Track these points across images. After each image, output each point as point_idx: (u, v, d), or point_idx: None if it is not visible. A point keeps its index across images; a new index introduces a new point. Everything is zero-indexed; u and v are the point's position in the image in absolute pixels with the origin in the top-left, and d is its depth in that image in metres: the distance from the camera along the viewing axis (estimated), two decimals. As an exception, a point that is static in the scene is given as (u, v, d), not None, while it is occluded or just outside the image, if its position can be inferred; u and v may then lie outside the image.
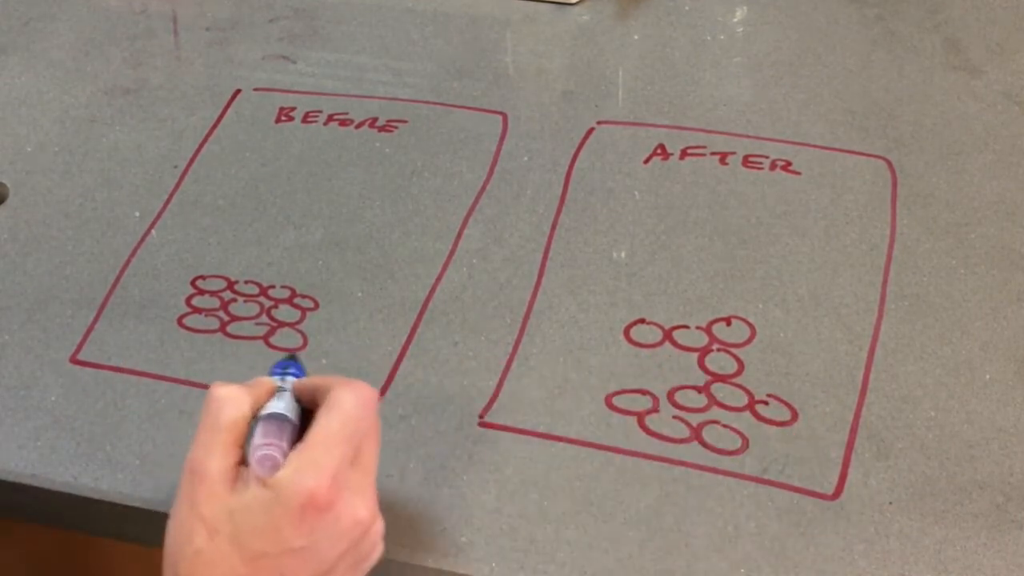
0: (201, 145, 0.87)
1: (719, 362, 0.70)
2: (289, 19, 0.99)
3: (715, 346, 0.71)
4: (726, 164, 0.83)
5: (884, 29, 0.93)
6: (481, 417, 0.68)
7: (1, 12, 1.01)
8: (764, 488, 0.64)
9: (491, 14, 0.98)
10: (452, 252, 0.78)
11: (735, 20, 0.96)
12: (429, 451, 0.67)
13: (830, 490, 0.64)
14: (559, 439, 0.67)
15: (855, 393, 0.68)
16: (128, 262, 0.79)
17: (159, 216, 0.82)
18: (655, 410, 0.68)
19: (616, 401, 0.69)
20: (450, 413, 0.69)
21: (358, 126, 0.88)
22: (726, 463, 0.65)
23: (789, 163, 0.82)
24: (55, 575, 0.78)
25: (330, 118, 0.89)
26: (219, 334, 0.74)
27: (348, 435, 0.51)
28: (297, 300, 0.76)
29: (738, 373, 0.70)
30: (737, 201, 0.80)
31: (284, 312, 0.75)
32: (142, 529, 0.67)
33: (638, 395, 0.69)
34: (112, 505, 0.66)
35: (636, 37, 0.95)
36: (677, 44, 0.93)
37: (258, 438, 0.52)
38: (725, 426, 0.67)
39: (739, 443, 0.66)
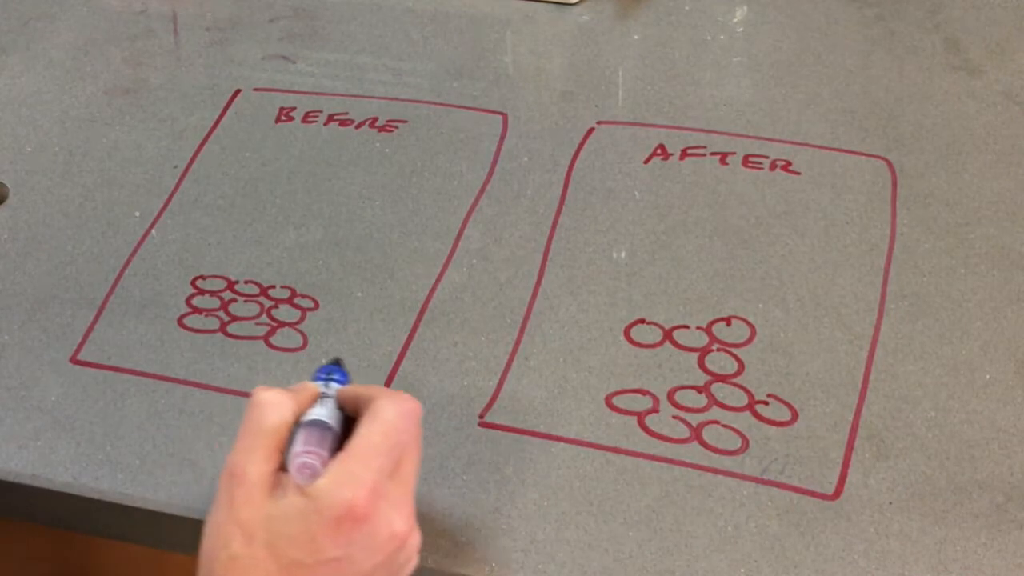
0: (201, 145, 0.87)
1: (719, 362, 0.70)
2: (289, 19, 0.99)
3: (715, 346, 0.71)
4: (726, 164, 0.83)
5: (884, 29, 0.93)
6: (481, 417, 0.68)
7: (1, 12, 1.01)
8: (764, 488, 0.64)
9: (491, 14, 0.98)
10: (452, 252, 0.78)
11: (735, 20, 0.96)
12: (429, 451, 0.67)
13: (830, 490, 0.64)
14: (559, 439, 0.67)
15: (855, 393, 0.68)
16: (128, 262, 0.79)
17: (159, 216, 0.82)
18: (655, 410, 0.68)
19: (616, 401, 0.69)
20: (450, 413, 0.69)
21: (358, 126, 0.88)
22: (726, 463, 0.65)
23: (789, 163, 0.82)
24: (55, 575, 0.78)
25: (330, 118, 0.89)
26: (219, 334, 0.74)
27: (389, 447, 0.51)
28: (297, 300, 0.76)
29: (738, 373, 0.70)
30: (737, 201, 0.80)
31: (284, 312, 0.75)
32: (142, 529, 0.67)
33: (638, 395, 0.69)
34: (112, 505, 0.66)
35: (636, 37, 0.95)
36: (677, 44, 0.94)
37: (299, 445, 0.51)
38: (725, 426, 0.67)
39: (739, 443, 0.66)
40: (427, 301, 0.75)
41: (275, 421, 0.52)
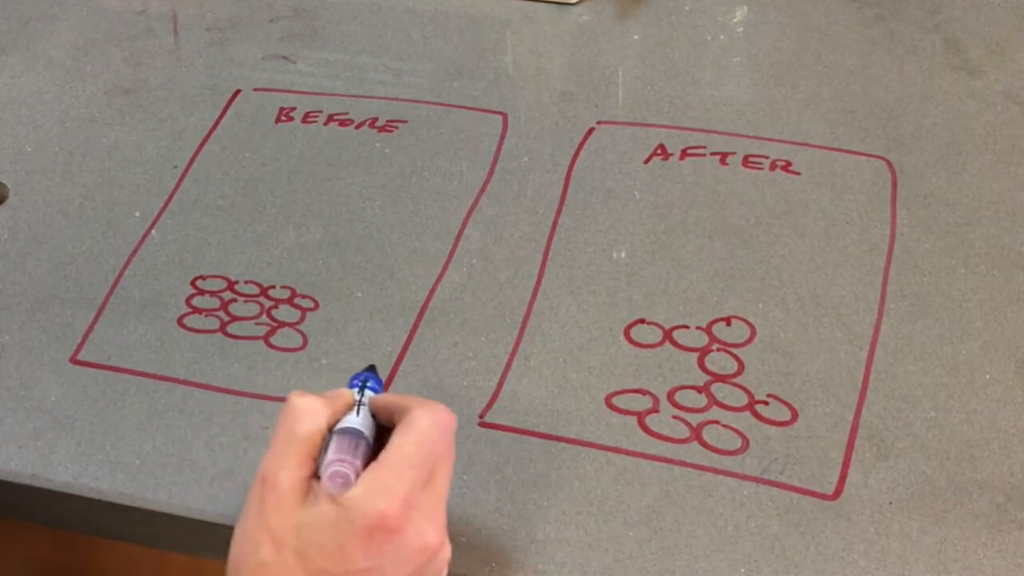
0: (201, 145, 0.87)
1: (719, 362, 0.70)
2: (289, 19, 0.99)
3: (715, 346, 0.71)
4: (726, 164, 0.83)
5: (884, 29, 0.93)
6: (481, 417, 0.68)
7: (1, 12, 1.01)
8: (764, 488, 0.64)
9: (491, 14, 0.98)
10: (452, 252, 0.78)
11: (735, 20, 0.96)
12: (429, 451, 0.67)
13: (830, 490, 0.64)
14: (559, 439, 0.67)
15: (855, 393, 0.68)
16: (128, 262, 0.79)
17: (159, 216, 0.82)
18: (655, 410, 0.68)
19: (616, 401, 0.69)
20: (450, 413, 0.69)
21: (358, 126, 0.88)
22: (726, 463, 0.65)
23: (789, 163, 0.82)
24: (55, 575, 0.78)
25: (330, 118, 0.89)
26: (219, 334, 0.74)
27: (423, 458, 0.51)
28: (297, 300, 0.76)
29: (738, 373, 0.70)
30: (737, 201, 0.80)
31: (284, 312, 0.75)
32: (142, 529, 0.67)
33: (638, 395, 0.69)
34: (112, 505, 0.66)
35: (636, 37, 0.95)
36: (677, 44, 0.94)
37: (331, 453, 0.51)
38: (725, 426, 0.67)
39: (739, 443, 0.66)
40: (427, 301, 0.75)
41: (309, 428, 0.52)
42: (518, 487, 0.65)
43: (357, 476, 0.50)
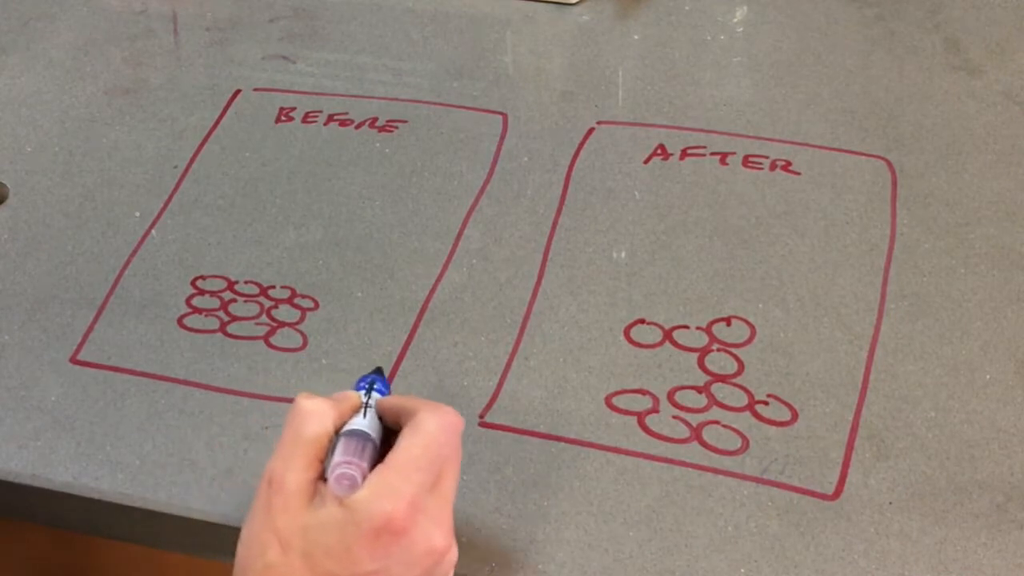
0: (201, 145, 0.87)
1: (719, 362, 0.70)
2: (289, 19, 0.99)
3: (715, 346, 0.71)
4: (726, 164, 0.83)
5: (884, 29, 0.93)
6: (481, 417, 0.68)
7: (1, 12, 1.01)
8: (764, 488, 0.64)
9: (491, 14, 0.98)
10: (452, 252, 0.78)
11: (735, 20, 0.96)
12: (429, 451, 0.67)
13: (830, 490, 0.64)
14: (559, 439, 0.67)
15: (855, 393, 0.68)
16: (128, 262, 0.79)
17: (159, 216, 0.82)
18: (655, 410, 0.68)
19: (616, 401, 0.69)
20: (450, 413, 0.69)
21: (358, 126, 0.88)
22: (726, 463, 0.65)
23: (789, 163, 0.82)
24: (55, 575, 0.78)
25: (330, 118, 0.89)
26: (219, 334, 0.74)
27: (430, 461, 0.51)
28: (297, 300, 0.76)
29: (738, 373, 0.70)
30: (737, 201, 0.80)
31: (284, 312, 0.75)
32: (142, 529, 0.67)
33: (638, 395, 0.69)
34: (112, 505, 0.66)
35: (636, 37, 0.95)
36: (677, 44, 0.94)
37: (338, 455, 0.51)
38: (725, 426, 0.67)
39: (739, 443, 0.66)
40: (427, 301, 0.75)
41: (316, 430, 0.52)
42: (518, 487, 0.65)
43: (363, 478, 0.50)
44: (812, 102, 0.87)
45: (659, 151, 0.84)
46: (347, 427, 0.53)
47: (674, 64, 0.92)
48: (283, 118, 0.89)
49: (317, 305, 0.75)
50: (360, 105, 0.90)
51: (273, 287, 0.77)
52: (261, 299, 0.76)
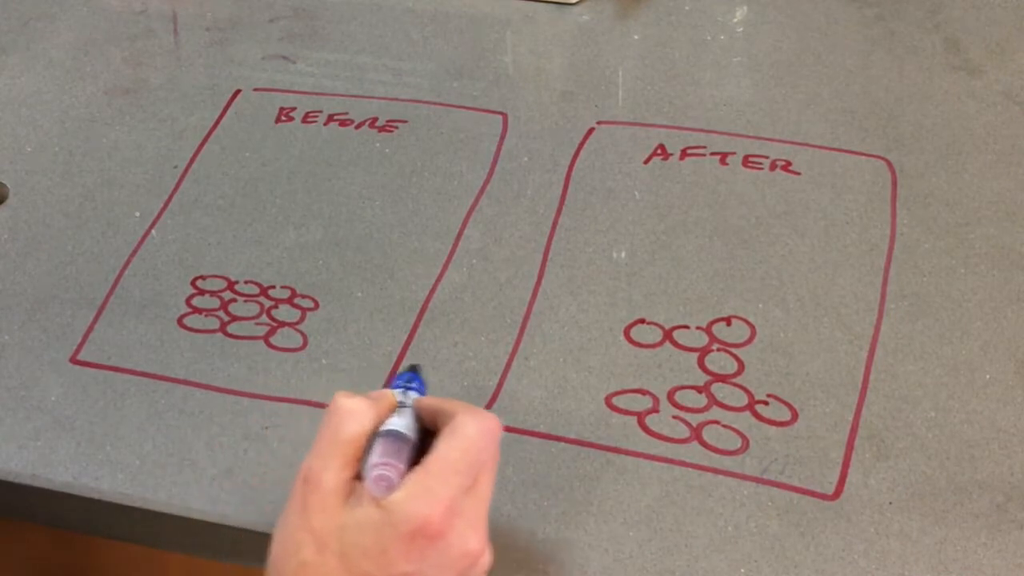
0: (201, 145, 0.87)
1: (719, 362, 0.70)
2: (289, 19, 0.99)
3: (715, 346, 0.71)
4: (726, 164, 0.83)
5: (884, 29, 0.93)
6: (481, 417, 0.68)
7: (1, 12, 1.01)
8: (764, 488, 0.64)
9: (491, 14, 0.98)
10: (452, 252, 0.78)
11: (735, 20, 0.96)
12: (429, 451, 0.67)
13: (830, 490, 0.64)
14: (559, 439, 0.67)
15: (855, 393, 0.68)
16: (128, 262, 0.79)
17: (159, 216, 0.82)
18: (655, 410, 0.68)
19: (616, 401, 0.69)
20: (450, 413, 0.69)
21: (358, 126, 0.88)
22: (726, 463, 0.65)
23: (789, 163, 0.82)
24: (55, 575, 0.78)
25: (330, 118, 0.89)
26: (219, 334, 0.74)
27: (468, 464, 0.50)
28: (297, 300, 0.76)
29: (738, 373, 0.70)
30: (737, 201, 0.80)
31: (284, 312, 0.75)
32: (142, 529, 0.67)
33: (638, 395, 0.69)
34: (112, 505, 0.66)
35: (636, 37, 0.95)
36: (677, 44, 0.93)
37: (375, 456, 0.51)
38: (725, 426, 0.67)
39: (739, 443, 0.66)
40: (427, 301, 0.75)
41: (354, 430, 0.51)
42: (518, 487, 0.65)
43: (400, 479, 0.50)
44: (812, 102, 0.87)
45: (659, 151, 0.84)
46: (384, 427, 0.53)
47: (674, 64, 0.92)
48: (283, 118, 0.89)
49: (317, 305, 0.75)
50: (360, 105, 0.90)
51: (273, 287, 0.77)
52: (261, 299, 0.76)
